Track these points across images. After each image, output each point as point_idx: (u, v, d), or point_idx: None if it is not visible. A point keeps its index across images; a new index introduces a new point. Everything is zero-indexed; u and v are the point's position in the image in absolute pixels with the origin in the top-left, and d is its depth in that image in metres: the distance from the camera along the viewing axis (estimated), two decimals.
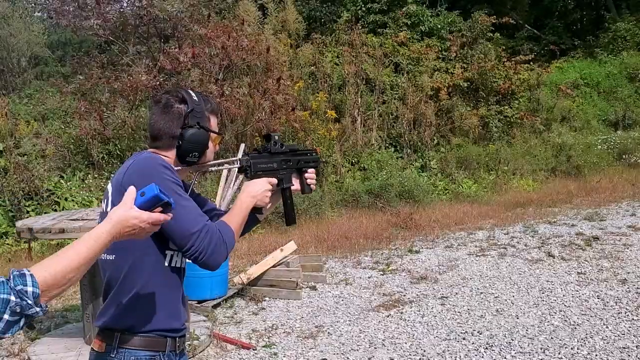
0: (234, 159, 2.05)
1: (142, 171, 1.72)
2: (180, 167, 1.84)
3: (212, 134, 1.89)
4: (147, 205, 1.42)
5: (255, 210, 1.94)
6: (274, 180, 1.97)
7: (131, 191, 1.43)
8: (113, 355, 1.73)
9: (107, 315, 1.77)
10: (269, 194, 1.93)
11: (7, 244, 8.13)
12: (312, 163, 2.15)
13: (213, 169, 2.00)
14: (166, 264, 1.79)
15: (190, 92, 1.88)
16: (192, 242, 1.68)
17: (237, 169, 2.00)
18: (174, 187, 1.70)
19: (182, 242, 1.69)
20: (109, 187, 1.82)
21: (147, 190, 1.41)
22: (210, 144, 1.89)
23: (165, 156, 1.82)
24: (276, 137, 2.04)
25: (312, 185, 2.15)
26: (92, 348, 1.81)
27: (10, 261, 7.63)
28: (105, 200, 1.81)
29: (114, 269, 1.77)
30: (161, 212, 1.44)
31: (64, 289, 1.34)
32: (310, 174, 2.13)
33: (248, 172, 1.94)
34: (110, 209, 1.67)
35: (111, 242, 1.40)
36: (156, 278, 1.77)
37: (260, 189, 1.90)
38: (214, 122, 1.91)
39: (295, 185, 2.12)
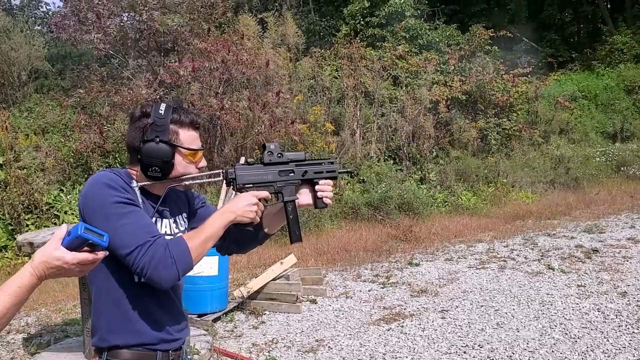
0: (217, 171, 1.90)
1: (86, 193, 1.71)
2: (147, 183, 1.80)
3: (182, 150, 1.80)
4: (72, 245, 1.35)
5: (242, 226, 1.81)
6: (263, 194, 1.83)
7: (62, 229, 1.38)
8: None
9: (94, 334, 1.81)
10: (254, 208, 1.78)
11: (7, 257, 8.12)
12: (326, 173, 1.95)
13: (188, 182, 1.85)
14: (135, 280, 1.76)
15: (162, 105, 1.81)
16: (132, 260, 1.63)
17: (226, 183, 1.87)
18: (110, 208, 1.66)
19: (124, 261, 1.66)
20: None
21: (73, 229, 1.35)
22: (180, 159, 1.81)
23: (134, 170, 1.83)
24: (272, 147, 1.88)
25: (325, 199, 1.94)
26: None
27: (9, 274, 7.63)
28: None
29: (90, 284, 1.82)
30: (89, 251, 1.38)
31: None
32: (323, 187, 1.94)
33: (233, 185, 1.83)
34: None
35: (40, 282, 1.36)
36: (130, 293, 1.75)
37: (242, 203, 1.77)
38: (186, 136, 1.81)
39: (304, 199, 1.95)
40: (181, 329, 1.91)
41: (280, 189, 1.89)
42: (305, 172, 1.92)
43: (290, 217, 1.91)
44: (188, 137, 1.82)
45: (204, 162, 1.89)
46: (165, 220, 1.88)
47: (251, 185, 1.84)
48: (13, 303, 1.33)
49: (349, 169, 2.11)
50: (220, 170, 1.88)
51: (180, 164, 1.82)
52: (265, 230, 2.01)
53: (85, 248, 1.37)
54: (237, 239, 2.00)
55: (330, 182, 1.96)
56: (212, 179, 1.91)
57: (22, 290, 1.34)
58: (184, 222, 1.97)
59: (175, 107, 1.84)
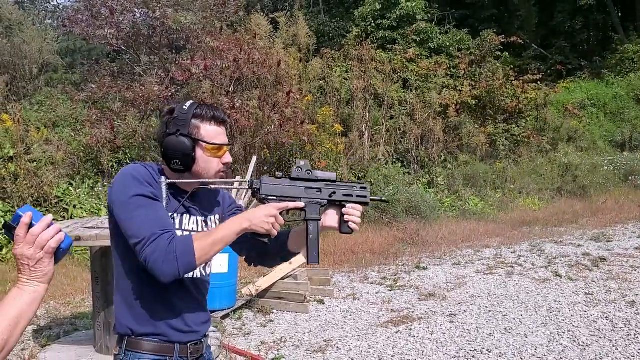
0: (244, 179, 1.93)
1: (114, 182, 1.79)
2: (178, 181, 1.85)
3: (205, 144, 1.82)
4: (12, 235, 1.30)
5: (258, 236, 1.79)
6: (284, 205, 1.80)
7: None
8: (122, 358, 1.82)
9: (116, 321, 1.85)
10: (271, 220, 1.74)
11: None
12: (356, 198, 1.87)
13: (218, 187, 1.88)
14: None
15: (188, 102, 1.86)
16: (138, 250, 1.67)
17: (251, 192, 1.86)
18: (130, 199, 1.71)
19: (134, 250, 1.70)
20: None
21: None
22: (202, 153, 1.83)
23: (164, 165, 1.88)
24: (302, 163, 1.86)
25: (351, 224, 1.85)
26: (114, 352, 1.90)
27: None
28: None
29: (115, 270, 1.87)
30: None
31: None
32: (351, 210, 1.86)
33: (257, 194, 1.82)
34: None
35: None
36: (150, 284, 1.77)
37: (260, 213, 1.75)
38: (208, 131, 1.84)
39: (329, 220, 1.88)
40: (201, 323, 1.93)
41: (304, 207, 1.84)
42: (334, 192, 1.86)
43: (310, 236, 1.84)
44: (210, 132, 1.85)
45: (229, 157, 1.90)
46: (193, 218, 1.91)
47: (274, 197, 1.81)
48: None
49: (382, 198, 2.01)
50: (247, 180, 1.89)
51: (202, 158, 1.84)
52: (289, 248, 1.99)
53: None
54: (260, 252, 2.01)
55: (360, 207, 1.88)
56: (239, 187, 1.93)
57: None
58: (216, 223, 1.99)
59: (201, 104, 1.87)
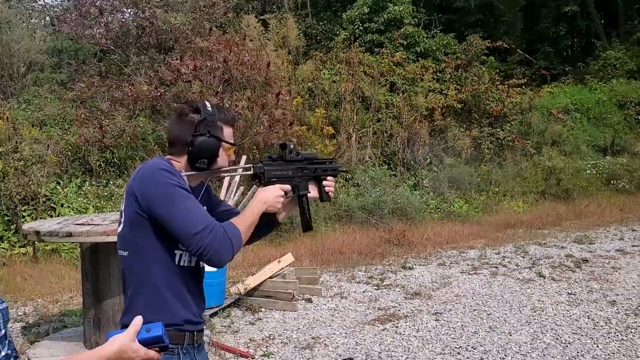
0: (247, 165, 2.09)
1: (144, 176, 1.86)
2: (192, 173, 1.96)
3: (224, 143, 1.98)
4: (148, 342, 1.47)
5: (270, 216, 2.01)
6: (287, 187, 2.03)
7: (137, 322, 1.47)
8: None
9: (128, 313, 1.89)
10: (281, 199, 1.99)
11: (2, 247, 8.14)
12: (331, 171, 2.21)
13: (226, 174, 2.09)
14: (176, 263, 1.90)
15: (207, 102, 1.99)
16: (197, 241, 1.77)
17: (251, 176, 2.07)
18: (173, 191, 1.81)
19: (186, 242, 1.80)
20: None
21: (154, 328, 1.48)
22: (222, 153, 1.98)
23: (177, 161, 1.95)
24: (291, 146, 2.11)
25: (330, 194, 2.21)
26: None
27: (5, 265, 7.65)
28: (123, 201, 1.94)
29: (127, 264, 1.92)
30: (158, 351, 1.49)
31: None
32: (329, 182, 2.19)
33: (261, 178, 2.02)
34: (123, 210, 1.88)
35: None
36: (167, 276, 1.87)
37: (272, 195, 1.97)
38: (227, 132, 2.00)
39: (313, 192, 2.17)
40: (202, 312, 2.07)
41: (297, 184, 2.11)
42: (316, 169, 2.17)
43: (305, 208, 2.14)
44: (228, 133, 2.02)
45: (233, 155, 2.08)
46: None
47: (275, 180, 2.04)
48: None
49: (345, 169, 2.35)
50: (250, 165, 2.07)
51: (221, 156, 1.99)
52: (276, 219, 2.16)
53: (156, 347, 1.48)
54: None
55: (333, 178, 2.23)
56: (244, 172, 2.12)
57: None
58: None
59: (218, 106, 2.04)
